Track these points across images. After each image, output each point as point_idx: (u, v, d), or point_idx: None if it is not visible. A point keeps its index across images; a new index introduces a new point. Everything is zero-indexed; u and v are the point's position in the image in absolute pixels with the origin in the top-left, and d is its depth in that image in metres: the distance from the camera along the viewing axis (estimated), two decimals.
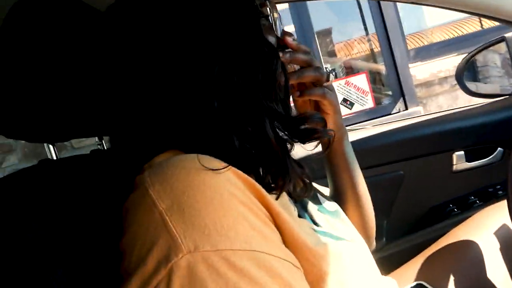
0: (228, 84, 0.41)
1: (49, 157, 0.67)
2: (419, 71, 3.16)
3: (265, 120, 0.42)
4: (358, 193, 0.68)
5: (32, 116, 0.49)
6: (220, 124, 0.41)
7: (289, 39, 0.54)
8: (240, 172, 0.37)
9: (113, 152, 0.50)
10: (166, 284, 0.30)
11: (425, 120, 1.15)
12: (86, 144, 2.13)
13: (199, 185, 0.33)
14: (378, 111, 2.83)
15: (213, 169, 0.35)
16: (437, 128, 1.10)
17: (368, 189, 0.70)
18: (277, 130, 0.44)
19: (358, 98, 2.84)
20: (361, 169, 0.68)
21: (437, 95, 3.14)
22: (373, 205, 0.70)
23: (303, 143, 0.48)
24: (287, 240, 0.38)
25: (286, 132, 0.46)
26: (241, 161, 0.40)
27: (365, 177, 0.69)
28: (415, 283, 0.73)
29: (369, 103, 2.83)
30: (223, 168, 0.36)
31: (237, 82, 0.41)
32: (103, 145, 0.71)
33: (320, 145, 0.66)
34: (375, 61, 3.25)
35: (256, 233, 0.33)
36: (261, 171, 0.43)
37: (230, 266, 0.30)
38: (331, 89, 0.60)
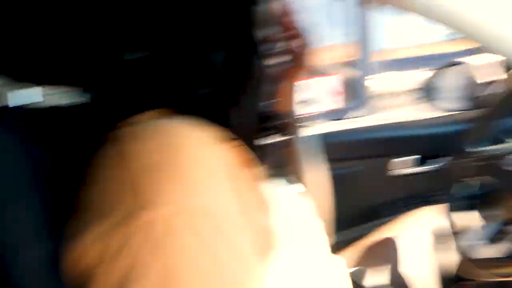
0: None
1: None
2: (384, 82, 3.30)
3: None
4: None
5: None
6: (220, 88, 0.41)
7: None
8: (228, 147, 0.37)
9: (90, 107, 0.48)
10: (126, 239, 0.30)
11: (383, 125, 1.25)
12: None
13: (180, 150, 0.33)
14: (342, 114, 2.95)
15: (198, 139, 0.35)
16: (392, 134, 1.20)
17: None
18: None
19: (327, 98, 2.95)
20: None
21: (399, 105, 3.30)
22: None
23: None
24: None
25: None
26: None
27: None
28: (356, 268, 0.80)
29: (336, 105, 2.95)
30: (210, 140, 0.35)
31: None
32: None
33: None
34: (347, 67, 3.37)
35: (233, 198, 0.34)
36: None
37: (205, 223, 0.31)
38: None
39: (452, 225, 0.71)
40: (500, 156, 0.62)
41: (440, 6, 0.58)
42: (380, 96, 3.15)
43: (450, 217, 0.71)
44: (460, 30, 0.70)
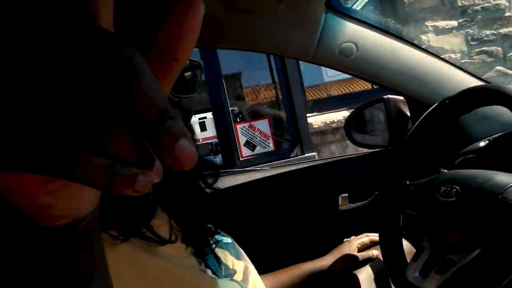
0: None
1: None
2: (315, 121, 3.45)
3: None
4: None
5: None
6: None
7: None
8: None
9: None
10: None
11: (318, 165, 1.26)
12: None
13: None
14: (278, 155, 2.98)
15: None
16: (327, 172, 1.21)
17: None
18: None
19: (260, 141, 2.98)
20: None
21: (330, 143, 3.45)
22: None
23: None
24: None
25: None
26: None
27: None
28: None
29: (270, 147, 2.98)
30: None
31: None
32: None
33: None
34: (278, 108, 3.47)
35: None
36: None
37: None
38: None
39: (387, 258, 0.70)
40: (435, 186, 0.62)
41: None
42: (312, 134, 3.27)
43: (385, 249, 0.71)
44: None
